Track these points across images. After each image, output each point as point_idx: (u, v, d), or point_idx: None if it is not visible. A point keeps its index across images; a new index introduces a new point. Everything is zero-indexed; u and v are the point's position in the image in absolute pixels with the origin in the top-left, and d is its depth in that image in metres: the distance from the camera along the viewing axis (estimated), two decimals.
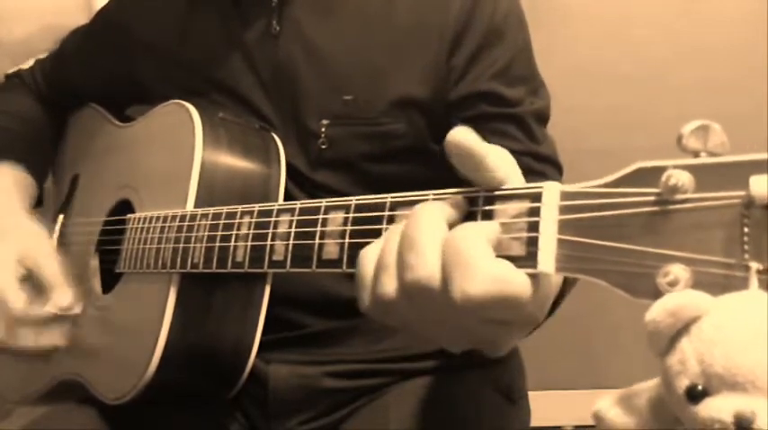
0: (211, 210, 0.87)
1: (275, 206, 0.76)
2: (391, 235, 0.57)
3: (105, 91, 1.23)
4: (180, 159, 0.96)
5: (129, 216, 1.03)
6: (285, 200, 0.98)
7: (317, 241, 0.68)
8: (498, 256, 0.52)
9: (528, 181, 0.57)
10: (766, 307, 0.41)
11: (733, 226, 0.44)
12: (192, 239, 0.88)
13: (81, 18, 1.30)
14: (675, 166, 0.46)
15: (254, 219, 0.79)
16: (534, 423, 1.15)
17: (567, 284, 0.71)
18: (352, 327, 1.03)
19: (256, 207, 0.79)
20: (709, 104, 2.00)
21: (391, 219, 0.62)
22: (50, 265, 1.00)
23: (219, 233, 0.84)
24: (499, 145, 0.94)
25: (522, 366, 1.15)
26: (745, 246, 0.43)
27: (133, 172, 1.08)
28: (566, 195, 0.52)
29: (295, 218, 0.72)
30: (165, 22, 1.11)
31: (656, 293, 0.45)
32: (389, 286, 0.55)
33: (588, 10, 2.12)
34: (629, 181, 0.49)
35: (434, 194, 0.59)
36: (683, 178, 0.46)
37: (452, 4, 0.97)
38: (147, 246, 0.95)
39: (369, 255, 0.58)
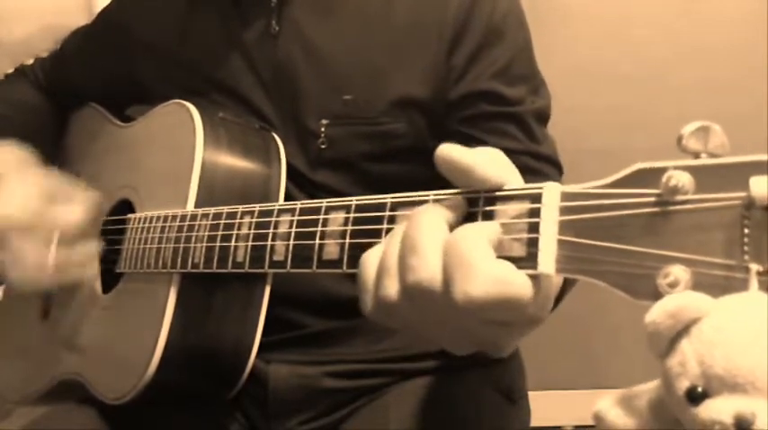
0: (212, 209, 0.87)
1: (276, 206, 0.76)
2: (392, 238, 0.57)
3: (105, 91, 1.23)
4: (180, 159, 0.96)
5: (129, 216, 1.03)
6: (285, 200, 0.98)
7: (317, 241, 0.68)
8: (499, 257, 0.52)
9: (528, 180, 0.57)
10: (766, 308, 0.41)
11: (733, 227, 0.44)
12: (193, 239, 0.88)
13: (81, 18, 1.30)
14: (676, 167, 0.46)
15: (254, 219, 0.79)
16: (534, 423, 1.15)
17: (567, 284, 0.71)
18: (353, 328, 1.03)
19: (257, 207, 0.79)
20: (709, 104, 2.00)
21: (392, 220, 0.62)
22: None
23: (220, 233, 0.84)
24: (499, 144, 0.94)
25: (522, 366, 1.15)
26: (746, 248, 0.43)
27: (133, 172, 1.08)
28: (566, 196, 0.52)
29: (295, 218, 0.72)
30: (166, 23, 1.11)
31: (657, 294, 0.45)
32: (391, 289, 0.55)
33: (588, 10, 2.12)
34: (630, 182, 0.49)
35: (435, 195, 0.59)
36: (684, 179, 0.46)
37: (451, 3, 0.97)
38: (148, 246, 0.95)
39: (370, 259, 0.58)
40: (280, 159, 1.00)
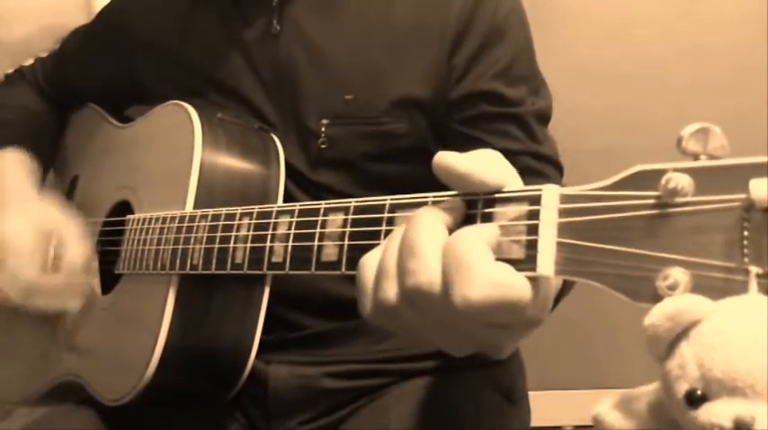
0: (210, 211, 0.86)
1: (274, 208, 0.76)
2: (391, 240, 0.57)
3: (105, 91, 1.23)
4: (179, 160, 0.96)
5: (128, 217, 1.03)
6: (285, 200, 0.98)
7: (315, 243, 0.68)
8: (498, 259, 0.52)
9: (529, 181, 0.57)
10: (766, 311, 0.41)
11: (733, 229, 0.44)
12: (192, 240, 0.87)
13: (81, 18, 1.30)
14: (675, 169, 0.46)
15: (253, 221, 0.79)
16: (534, 423, 1.15)
17: (566, 284, 0.71)
18: (353, 328, 1.03)
19: (255, 208, 0.79)
20: (709, 104, 2.00)
21: (390, 222, 0.62)
22: (71, 231, 1.03)
23: (219, 234, 0.83)
24: (500, 145, 0.95)
25: (523, 366, 1.15)
26: (745, 250, 0.43)
27: (132, 172, 1.08)
28: (565, 198, 0.51)
29: (294, 219, 0.72)
30: (166, 23, 1.11)
31: (656, 297, 0.45)
32: (390, 292, 0.55)
33: (588, 10, 2.12)
34: (629, 184, 0.49)
35: (434, 197, 0.59)
36: (683, 181, 0.45)
37: (453, 3, 0.97)
38: (147, 248, 0.95)
39: (369, 262, 0.58)
40: (279, 160, 1.00)
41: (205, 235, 0.86)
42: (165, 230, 0.92)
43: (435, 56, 0.98)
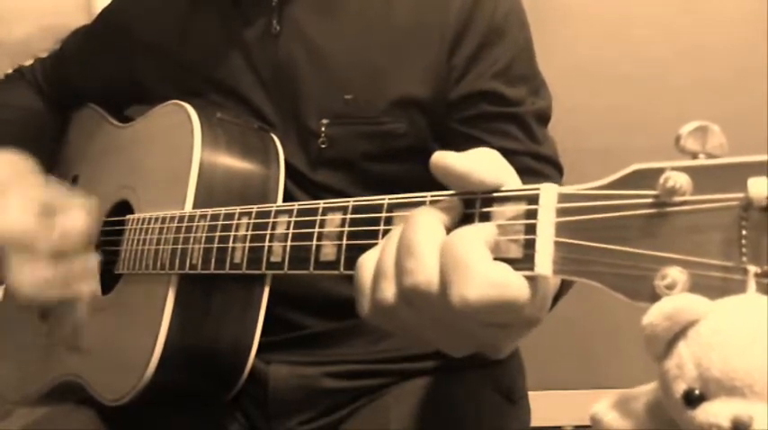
0: (209, 211, 0.86)
1: (273, 207, 0.76)
2: (389, 240, 0.56)
3: (105, 91, 1.23)
4: (178, 160, 0.96)
5: (127, 217, 1.03)
6: (285, 199, 0.98)
7: (314, 242, 0.68)
8: (496, 259, 0.52)
9: (528, 181, 0.57)
10: (764, 310, 0.40)
11: (731, 228, 0.43)
12: (191, 240, 0.87)
13: (81, 18, 1.30)
14: (673, 168, 0.46)
15: (251, 220, 0.79)
16: (534, 423, 1.15)
17: (564, 284, 0.71)
18: (353, 328, 1.03)
19: (254, 208, 0.79)
20: (709, 104, 2.00)
21: (389, 221, 0.62)
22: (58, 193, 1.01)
23: (218, 234, 0.83)
24: (500, 145, 0.95)
25: (522, 366, 1.15)
26: (743, 249, 0.43)
27: (132, 172, 1.08)
28: (563, 197, 0.51)
29: (293, 219, 0.72)
30: (166, 23, 1.11)
31: (654, 296, 0.45)
32: (388, 292, 0.55)
33: (588, 10, 2.12)
34: (627, 183, 0.48)
35: (432, 196, 0.59)
36: (681, 180, 0.45)
37: (453, 3, 0.97)
38: (146, 247, 0.95)
39: (367, 262, 0.58)
40: (278, 159, 1.00)
41: (204, 235, 0.86)
42: (165, 230, 0.92)
43: (435, 56, 0.98)
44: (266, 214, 0.76)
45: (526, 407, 1.13)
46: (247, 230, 0.79)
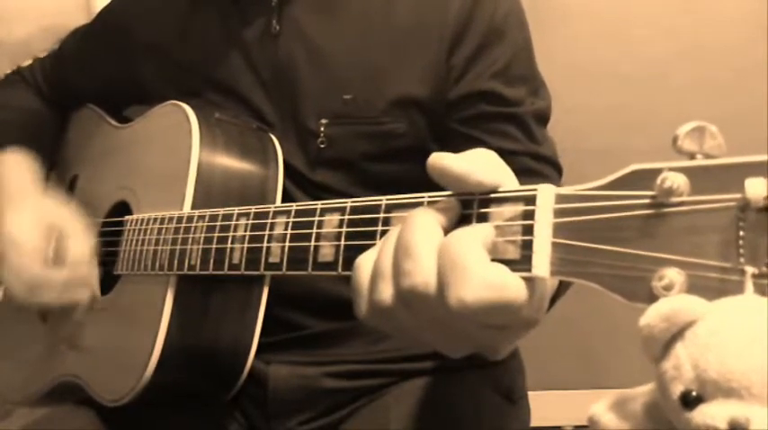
0: (208, 211, 0.86)
1: (271, 208, 0.76)
2: (387, 241, 0.56)
3: (105, 91, 1.23)
4: (177, 161, 0.96)
5: (126, 217, 1.03)
6: (284, 200, 0.98)
7: (312, 243, 0.68)
8: (493, 260, 0.52)
9: (527, 181, 0.57)
10: (761, 312, 0.40)
11: (728, 229, 0.43)
12: (189, 241, 0.87)
13: (81, 18, 1.30)
14: (671, 169, 0.46)
15: (250, 221, 0.79)
16: (534, 423, 1.15)
17: (563, 284, 0.71)
18: (352, 328, 1.03)
19: (252, 209, 0.79)
20: (709, 104, 2.00)
21: (386, 222, 0.62)
22: (73, 225, 1.04)
23: (216, 235, 0.83)
24: (499, 145, 0.95)
25: (522, 366, 1.15)
26: (741, 250, 0.43)
27: (130, 173, 1.08)
28: (560, 198, 0.51)
29: (291, 220, 0.72)
30: (166, 23, 1.11)
31: (652, 297, 0.45)
32: (386, 293, 0.55)
33: (588, 10, 2.12)
34: (624, 183, 0.48)
35: (429, 197, 0.59)
36: (679, 181, 0.45)
37: (452, 3, 0.97)
38: (145, 248, 0.95)
39: (365, 262, 0.58)
40: (277, 160, 1.00)
41: (202, 235, 0.85)
42: (163, 231, 0.92)
43: (434, 56, 0.98)
44: (264, 215, 0.76)
45: (526, 407, 1.13)
46: (246, 231, 0.79)
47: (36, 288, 0.99)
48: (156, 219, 0.95)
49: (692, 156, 0.46)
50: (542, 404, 1.38)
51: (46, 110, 1.28)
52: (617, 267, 0.47)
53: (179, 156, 0.96)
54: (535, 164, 1.00)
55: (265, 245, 0.75)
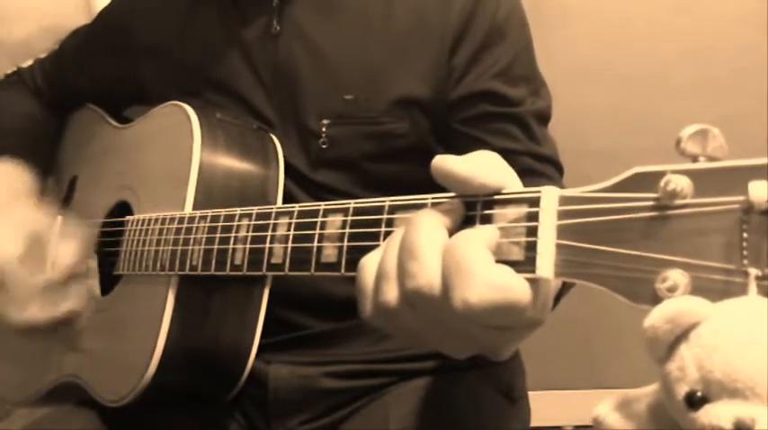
0: (209, 212, 0.86)
1: (273, 209, 0.76)
2: (391, 242, 0.56)
3: (104, 92, 1.23)
4: (178, 161, 0.96)
5: (127, 218, 1.03)
6: (285, 200, 0.98)
7: (315, 244, 0.68)
8: (498, 261, 0.52)
9: (529, 182, 0.57)
10: (765, 313, 0.40)
11: (732, 231, 0.43)
12: (191, 242, 0.87)
13: (81, 19, 1.30)
14: (674, 171, 0.46)
15: (252, 222, 0.79)
16: (534, 423, 1.15)
17: (566, 284, 0.71)
18: (353, 328, 1.03)
19: (254, 209, 0.79)
20: (709, 104, 2.00)
21: (390, 223, 0.62)
22: (50, 235, 1.04)
23: (218, 235, 0.83)
24: (500, 145, 0.95)
25: (522, 366, 1.15)
26: (744, 252, 0.43)
27: (131, 173, 1.08)
28: (564, 200, 0.51)
29: (293, 221, 0.72)
30: (166, 23, 1.11)
31: (656, 299, 0.45)
32: (390, 294, 0.55)
33: (588, 10, 2.12)
34: (628, 185, 0.48)
35: (433, 198, 0.59)
36: (682, 183, 0.45)
37: (454, 3, 0.97)
38: (146, 249, 0.95)
39: (369, 263, 0.58)
40: (278, 160, 1.00)
41: (204, 236, 0.85)
42: (165, 231, 0.92)
43: (435, 56, 0.98)
44: (267, 215, 0.76)
45: (526, 406, 1.13)
46: (248, 232, 0.79)
47: (26, 305, 0.99)
48: (157, 220, 0.95)
49: (694, 158, 0.46)
50: (542, 404, 1.38)
51: (44, 114, 1.28)
52: (621, 269, 0.47)
53: (180, 157, 0.96)
54: (536, 163, 1.00)
55: (268, 245, 0.75)
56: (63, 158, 1.28)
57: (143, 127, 1.11)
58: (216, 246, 0.83)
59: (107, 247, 1.06)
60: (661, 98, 2.08)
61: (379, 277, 0.56)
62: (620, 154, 1.98)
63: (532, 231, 0.52)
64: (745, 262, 0.43)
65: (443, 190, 0.58)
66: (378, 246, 0.59)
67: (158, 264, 0.92)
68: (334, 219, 0.67)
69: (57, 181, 1.28)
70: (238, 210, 0.82)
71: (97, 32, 1.24)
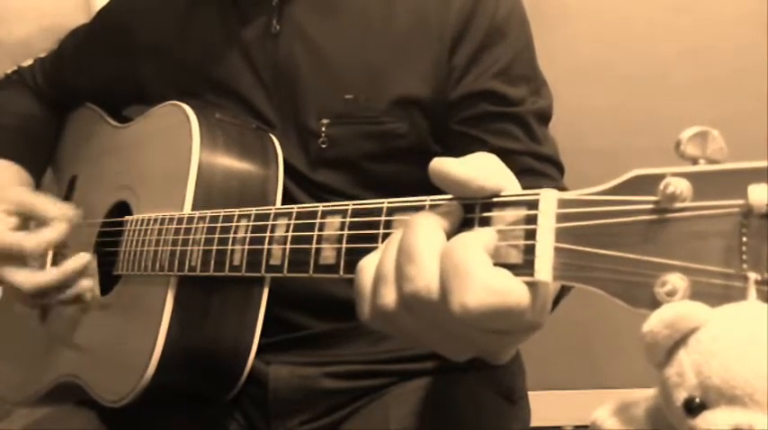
0: (208, 212, 0.86)
1: (272, 210, 0.76)
2: (389, 245, 0.56)
3: (104, 91, 1.23)
4: (177, 161, 0.96)
5: (126, 218, 1.03)
6: (285, 200, 0.98)
7: (313, 246, 0.68)
8: (496, 264, 0.52)
9: (529, 181, 0.57)
10: (765, 318, 0.40)
11: (731, 235, 0.43)
12: (190, 242, 0.87)
13: (81, 18, 1.30)
14: (673, 174, 0.46)
15: (250, 223, 0.79)
16: (534, 423, 1.15)
17: (565, 286, 0.71)
18: (352, 329, 1.03)
19: (253, 210, 0.79)
20: (709, 104, 2.00)
21: (388, 225, 0.62)
22: (37, 199, 1.05)
23: (217, 236, 0.83)
24: (500, 144, 0.95)
25: (522, 366, 1.15)
26: (744, 256, 0.42)
27: (130, 173, 1.08)
28: (562, 203, 0.51)
29: (292, 222, 0.72)
30: (166, 23, 1.11)
31: (654, 303, 0.45)
32: (389, 297, 0.55)
33: (588, 10, 2.12)
34: (627, 188, 0.48)
35: (431, 200, 0.59)
36: (682, 186, 0.45)
37: (453, 3, 0.97)
38: (145, 249, 0.95)
39: (367, 266, 0.58)
40: (277, 160, 1.00)
41: (203, 236, 0.85)
42: (164, 232, 0.92)
43: (435, 55, 0.97)
44: (265, 216, 0.76)
45: (526, 407, 1.13)
46: (246, 233, 0.79)
47: (35, 287, 1.00)
48: (156, 220, 0.95)
49: (694, 160, 0.46)
50: (542, 404, 1.38)
51: (44, 113, 1.28)
52: (619, 272, 0.47)
53: (179, 157, 0.96)
54: (537, 163, 1.00)
55: (266, 247, 0.75)
56: (62, 157, 1.28)
57: (142, 127, 1.11)
58: (215, 247, 0.83)
59: (106, 247, 1.06)
60: (661, 98, 2.08)
61: (377, 280, 0.56)
62: (620, 154, 1.98)
63: (531, 234, 0.52)
64: (745, 266, 0.42)
65: (443, 191, 0.58)
66: (376, 247, 0.59)
67: (157, 265, 0.92)
68: (332, 220, 0.67)
69: (56, 180, 1.28)
70: (237, 211, 0.81)
71: (96, 32, 1.23)
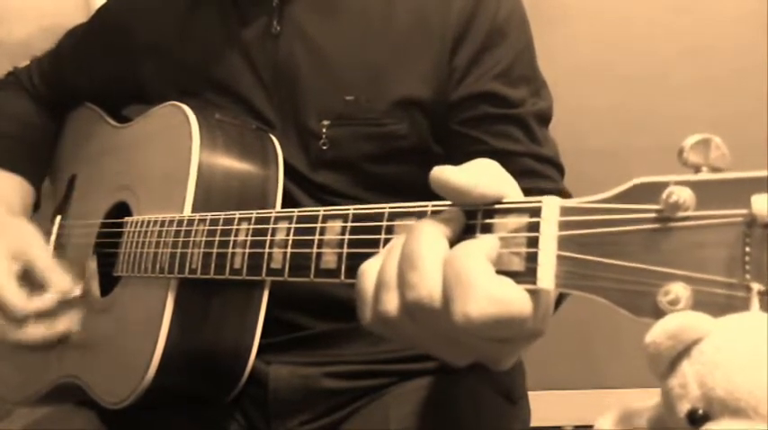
0: (209, 215, 0.86)
1: (273, 213, 0.76)
2: (391, 251, 0.56)
3: (104, 91, 1.22)
4: (177, 162, 0.96)
5: (126, 219, 1.03)
6: (285, 201, 0.98)
7: (314, 250, 0.68)
8: (498, 271, 0.52)
9: (530, 183, 0.57)
10: (767, 329, 0.40)
11: (734, 245, 0.43)
12: (190, 245, 0.87)
13: (80, 18, 1.30)
14: (676, 182, 0.46)
15: (251, 226, 0.78)
16: (534, 423, 1.16)
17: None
18: (353, 329, 1.03)
19: (254, 213, 0.79)
20: (709, 104, 2.00)
21: (389, 230, 0.61)
22: (43, 256, 1.02)
23: (217, 239, 0.83)
24: (501, 146, 0.95)
25: (522, 367, 1.15)
26: (747, 266, 0.42)
27: (130, 174, 1.08)
28: (565, 210, 0.51)
29: (293, 226, 0.72)
30: (165, 23, 1.11)
31: (657, 312, 0.45)
32: (391, 304, 0.55)
33: (588, 10, 2.11)
34: (630, 196, 0.48)
35: (433, 205, 0.59)
36: (684, 195, 0.45)
37: (454, 3, 0.97)
38: (145, 251, 0.95)
39: (369, 271, 0.58)
40: (277, 161, 1.00)
41: (203, 239, 0.85)
42: (164, 234, 0.92)
43: (436, 56, 0.97)
44: (266, 220, 0.76)
45: (526, 407, 1.13)
46: (247, 236, 0.78)
47: (21, 324, 0.99)
48: (155, 222, 0.95)
49: (697, 168, 0.46)
50: (542, 404, 1.38)
51: (41, 116, 1.28)
52: (622, 281, 0.47)
53: (179, 158, 0.95)
54: (537, 165, 1.00)
55: (267, 250, 0.74)
56: (62, 157, 1.28)
57: (142, 127, 1.11)
58: (215, 250, 0.83)
59: (106, 248, 1.06)
60: (661, 98, 2.08)
61: (379, 286, 0.56)
62: (620, 154, 1.98)
63: (533, 242, 0.52)
64: (748, 276, 0.42)
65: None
66: (377, 252, 0.59)
67: (157, 267, 0.92)
68: (333, 224, 0.67)
69: (55, 180, 1.28)
70: (237, 214, 0.81)
71: (95, 31, 1.23)
